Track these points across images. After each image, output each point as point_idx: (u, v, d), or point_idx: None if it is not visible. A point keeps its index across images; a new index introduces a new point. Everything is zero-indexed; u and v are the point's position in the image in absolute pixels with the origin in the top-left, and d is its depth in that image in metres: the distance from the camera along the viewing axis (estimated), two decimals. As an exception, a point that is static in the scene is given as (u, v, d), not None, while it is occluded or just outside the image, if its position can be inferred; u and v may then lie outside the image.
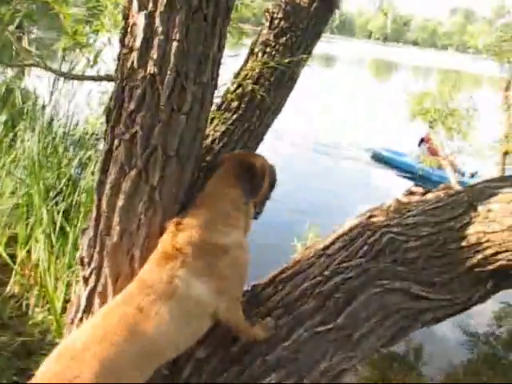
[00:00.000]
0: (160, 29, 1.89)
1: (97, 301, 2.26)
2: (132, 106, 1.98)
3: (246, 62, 3.19)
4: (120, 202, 2.10)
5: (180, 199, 2.17)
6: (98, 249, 2.21)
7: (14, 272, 4.55)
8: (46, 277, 4.33)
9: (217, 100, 3.10)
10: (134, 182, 2.06)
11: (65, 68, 5.32)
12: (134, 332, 1.89)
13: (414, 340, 5.81)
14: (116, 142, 2.06)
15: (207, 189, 2.22)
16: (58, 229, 4.57)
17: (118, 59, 2.02)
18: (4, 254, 4.62)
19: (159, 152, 2.02)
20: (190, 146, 2.09)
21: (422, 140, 12.53)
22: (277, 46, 3.13)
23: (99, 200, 2.17)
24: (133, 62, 1.95)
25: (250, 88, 3.01)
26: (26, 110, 5.20)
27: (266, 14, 3.21)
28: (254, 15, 3.47)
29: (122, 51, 1.99)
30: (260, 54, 3.14)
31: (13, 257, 4.67)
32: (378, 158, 15.27)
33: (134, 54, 1.94)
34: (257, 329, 2.31)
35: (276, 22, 3.16)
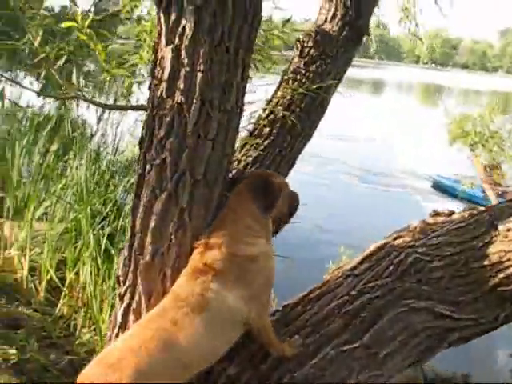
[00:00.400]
0: (186, 61, 2.04)
1: (131, 318, 2.37)
2: (162, 133, 2.12)
3: (278, 89, 3.31)
4: (152, 224, 2.23)
5: (208, 221, 2.28)
6: (132, 268, 2.34)
7: (62, 294, 4.74)
8: (92, 298, 4.51)
9: (250, 126, 3.23)
10: (164, 205, 2.19)
11: (112, 99, 5.56)
12: (169, 343, 2.01)
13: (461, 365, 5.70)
14: (148, 167, 2.20)
15: (228, 204, 2.33)
16: (103, 252, 4.76)
17: (150, 89, 2.18)
18: (54, 277, 4.82)
19: (187, 176, 2.15)
20: (216, 170, 2.21)
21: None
22: (307, 74, 3.24)
23: (133, 222, 2.30)
24: (162, 92, 2.10)
25: (281, 114, 3.13)
26: (75, 140, 5.47)
27: (297, 43, 3.34)
28: (285, 43, 3.60)
29: (153, 82, 2.14)
30: (291, 82, 3.25)
31: (62, 279, 4.88)
32: (440, 187, 14.76)
33: (163, 85, 2.09)
34: (285, 345, 2.38)
35: (306, 50, 3.28)
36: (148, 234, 2.25)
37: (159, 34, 2.09)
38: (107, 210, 5.03)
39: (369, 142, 19.76)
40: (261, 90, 3.25)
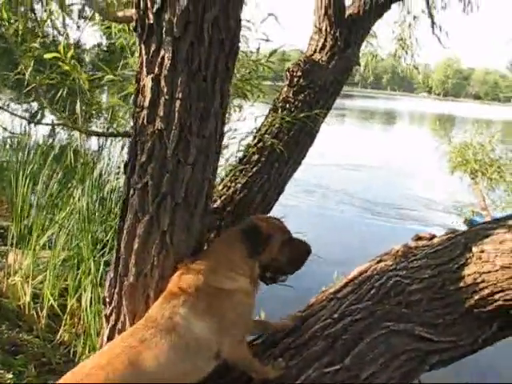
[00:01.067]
0: (165, 89, 2.14)
1: (117, 337, 2.43)
2: (143, 158, 2.22)
3: (267, 117, 3.40)
4: (135, 246, 2.31)
5: (191, 244, 2.36)
6: (117, 289, 2.41)
7: (63, 321, 4.79)
8: (91, 325, 4.55)
9: (239, 153, 3.31)
10: (146, 227, 2.28)
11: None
12: (135, 361, 2.07)
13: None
14: (131, 191, 2.30)
15: (218, 239, 2.42)
16: (104, 279, 4.81)
17: (133, 117, 2.27)
18: (55, 305, 4.88)
19: (168, 199, 2.24)
20: (197, 193, 2.29)
21: None
22: (296, 103, 3.34)
23: (118, 244, 2.39)
24: (143, 119, 2.20)
25: (269, 142, 3.21)
26: (77, 168, 5.59)
27: (287, 72, 3.44)
28: (275, 73, 3.70)
29: (135, 110, 2.24)
30: (280, 110, 3.35)
31: (65, 306, 4.93)
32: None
33: (144, 112, 2.20)
34: (268, 368, 2.42)
35: (295, 79, 3.38)
36: (132, 256, 2.33)
37: (141, 64, 2.20)
38: (108, 237, 5.10)
39: (377, 171, 19.80)
40: (251, 119, 3.34)
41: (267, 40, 3.47)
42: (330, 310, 2.62)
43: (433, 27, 5.02)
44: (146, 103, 2.17)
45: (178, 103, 2.14)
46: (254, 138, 3.31)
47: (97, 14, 2.94)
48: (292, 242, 2.52)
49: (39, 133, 7.19)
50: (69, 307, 4.89)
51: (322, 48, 3.53)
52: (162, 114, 2.15)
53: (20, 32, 3.09)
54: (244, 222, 2.52)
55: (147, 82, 2.16)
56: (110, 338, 2.46)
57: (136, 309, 2.37)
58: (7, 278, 5.20)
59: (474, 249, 2.41)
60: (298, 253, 2.54)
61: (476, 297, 2.36)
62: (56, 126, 5.93)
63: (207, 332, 2.19)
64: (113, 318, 2.45)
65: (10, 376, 3.78)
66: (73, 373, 2.10)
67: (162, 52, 2.12)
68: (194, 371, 2.23)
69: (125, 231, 2.33)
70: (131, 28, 2.30)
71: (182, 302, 2.19)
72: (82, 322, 4.87)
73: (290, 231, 2.55)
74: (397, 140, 33.86)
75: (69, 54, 2.47)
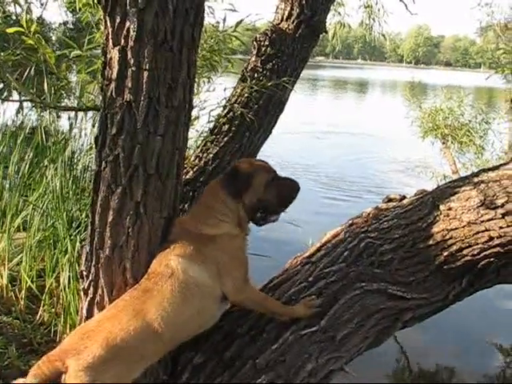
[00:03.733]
0: (132, 61, 2.15)
1: (96, 311, 2.46)
2: (114, 131, 2.23)
3: (236, 87, 3.41)
4: (110, 218, 2.33)
5: (164, 214, 2.38)
6: (94, 262, 2.43)
7: (42, 301, 4.79)
8: (71, 303, 4.56)
9: (210, 125, 3.33)
10: (120, 199, 2.29)
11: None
12: (139, 310, 2.18)
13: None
14: (103, 163, 2.30)
15: (204, 190, 2.51)
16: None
17: (101, 90, 2.27)
18: (33, 286, 4.87)
19: (140, 171, 2.26)
20: (168, 164, 2.32)
21: None
22: (264, 72, 3.36)
23: (93, 217, 2.40)
24: (112, 92, 2.20)
25: (239, 112, 3.23)
26: (49, 147, 5.54)
27: (254, 42, 3.45)
28: (244, 45, 3.71)
29: (104, 83, 2.24)
30: (248, 80, 3.36)
31: (44, 286, 4.92)
32: None
33: (113, 85, 2.20)
34: (298, 307, 2.52)
35: (263, 49, 3.40)
36: (106, 229, 2.35)
37: (106, 37, 2.19)
38: (83, 215, 5.09)
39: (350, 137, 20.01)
40: (221, 90, 3.35)
41: (233, 10, 3.47)
42: (305, 274, 2.68)
43: (400, -6, 5.04)
44: (114, 75, 2.17)
45: (145, 74, 2.15)
46: (224, 108, 3.33)
47: (59, -12, 2.90)
48: (278, 181, 2.52)
49: (7, 114, 7.09)
50: (47, 287, 4.88)
51: (289, 16, 3.54)
52: (130, 85, 2.16)
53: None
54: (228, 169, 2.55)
55: (114, 54, 2.16)
56: (88, 312, 2.48)
57: (113, 281, 2.39)
58: (-17, 262, 5.16)
59: (442, 207, 2.48)
60: (285, 190, 2.53)
61: (445, 253, 2.44)
62: (25, 106, 5.86)
63: (205, 276, 2.29)
64: (91, 291, 2.46)
65: (-9, 357, 3.79)
66: (80, 328, 2.24)
67: (127, 24, 2.12)
68: (199, 314, 2.33)
69: (98, 204, 2.34)
70: (95, 1, 2.28)
71: (173, 249, 2.30)
72: (61, 301, 4.86)
73: (275, 170, 2.54)
74: (369, 108, 34.02)
75: (32, 28, 2.45)
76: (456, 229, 2.39)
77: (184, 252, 2.29)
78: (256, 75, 3.36)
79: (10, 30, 2.46)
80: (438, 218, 2.46)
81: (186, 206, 2.98)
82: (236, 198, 2.43)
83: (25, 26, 2.43)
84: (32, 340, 4.41)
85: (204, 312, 2.34)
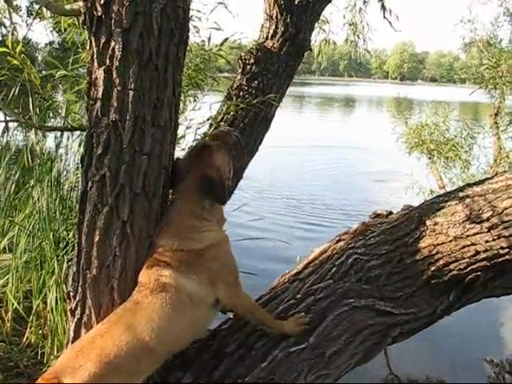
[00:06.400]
0: (117, 81, 2.15)
1: (83, 331, 2.43)
2: (100, 151, 2.23)
3: (223, 105, 3.43)
4: (96, 238, 2.32)
5: (151, 232, 2.37)
6: (81, 282, 2.41)
7: (29, 323, 4.74)
8: (58, 325, 4.52)
9: (196, 143, 3.32)
10: (106, 219, 2.29)
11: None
12: (130, 324, 2.17)
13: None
14: (89, 183, 2.30)
15: (175, 206, 2.42)
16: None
17: (87, 110, 2.28)
18: (19, 308, 4.82)
19: (126, 190, 2.25)
20: (155, 182, 2.31)
21: None
22: (249, 90, 3.38)
23: (79, 237, 2.39)
24: (97, 112, 2.20)
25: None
26: (34, 168, 5.51)
27: (239, 60, 3.47)
28: (229, 64, 3.73)
29: (89, 102, 2.24)
30: (234, 98, 3.38)
31: (31, 308, 4.87)
32: None
33: (98, 104, 2.20)
34: (288, 323, 2.52)
35: (248, 67, 3.42)
36: (93, 249, 2.33)
37: (91, 57, 2.20)
38: (70, 235, 5.05)
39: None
40: (206, 109, 3.37)
41: (218, 29, 3.49)
42: (293, 291, 2.68)
43: (383, 11, 5.09)
44: (99, 95, 2.18)
45: (130, 94, 2.15)
46: (210, 126, 3.35)
47: (44, 9, 2.91)
48: (233, 157, 2.55)
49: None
50: (34, 308, 4.83)
51: (274, 35, 3.57)
52: (115, 105, 2.16)
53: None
54: (192, 181, 2.41)
55: (99, 74, 2.16)
56: (76, 333, 2.46)
57: (101, 301, 2.38)
58: (-32, 284, 5.10)
59: (428, 222, 2.50)
60: (238, 150, 2.61)
61: (432, 268, 2.45)
62: (10, 127, 5.84)
63: (196, 285, 2.28)
64: (78, 311, 2.44)
65: (-23, 382, 3.74)
66: (75, 344, 2.23)
67: (112, 43, 2.12)
68: (193, 325, 2.34)
69: (85, 224, 2.33)
70: (81, 22, 2.29)
71: (164, 266, 2.27)
72: (48, 323, 4.82)
73: (227, 146, 2.54)
74: (356, 123, 34.32)
75: (18, 49, 2.45)
76: (442, 243, 2.41)
77: (177, 270, 2.27)
78: (242, 93, 3.38)
79: (-6, 51, 2.47)
80: (424, 233, 2.48)
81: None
82: (220, 201, 2.44)
83: (10, 46, 2.44)
84: (18, 362, 4.36)
85: (198, 323, 2.35)
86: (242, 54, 3.47)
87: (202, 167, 2.42)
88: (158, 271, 2.27)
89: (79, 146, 5.55)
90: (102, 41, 2.14)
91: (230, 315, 2.72)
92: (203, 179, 2.38)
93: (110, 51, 2.14)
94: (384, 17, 5.20)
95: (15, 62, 2.48)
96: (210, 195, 2.39)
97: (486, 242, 2.35)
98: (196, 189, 2.39)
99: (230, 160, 2.51)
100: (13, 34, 2.56)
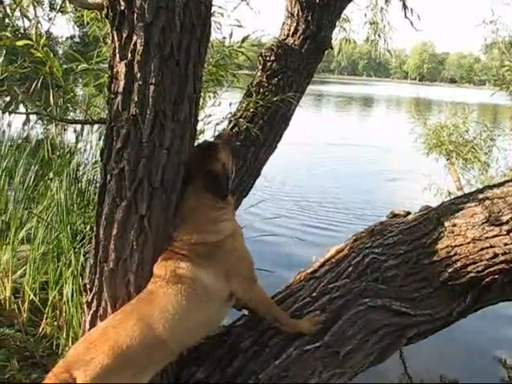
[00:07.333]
0: (138, 75, 2.16)
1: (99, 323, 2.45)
2: (119, 144, 2.24)
3: (242, 102, 3.43)
4: (114, 231, 2.33)
5: (168, 227, 2.38)
6: (97, 275, 2.43)
7: (45, 314, 4.78)
8: (74, 317, 4.55)
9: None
10: (124, 212, 2.30)
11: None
12: (144, 314, 2.18)
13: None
14: (108, 176, 2.31)
15: (189, 201, 2.42)
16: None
17: (107, 103, 2.29)
18: (36, 299, 4.86)
19: (145, 184, 2.26)
20: (173, 177, 2.32)
21: None
22: (269, 87, 3.38)
23: (97, 230, 2.40)
24: (118, 105, 2.22)
25: (244, 126, 3.24)
26: (54, 160, 5.57)
27: (260, 57, 3.47)
28: (249, 60, 3.73)
29: (110, 96, 2.26)
30: (254, 95, 3.38)
31: (47, 299, 4.91)
32: None
33: (119, 98, 2.21)
34: (303, 322, 2.52)
35: (269, 64, 3.42)
36: (111, 242, 2.35)
37: (113, 51, 2.21)
38: (87, 228, 5.10)
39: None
40: (226, 105, 3.37)
41: (240, 26, 3.49)
42: (309, 290, 2.67)
43: (405, 11, 5.05)
44: (120, 89, 2.19)
45: (151, 88, 2.16)
46: (230, 122, 3.35)
47: (68, 3, 2.93)
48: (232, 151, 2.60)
49: (13, 127, 7.12)
50: (50, 300, 4.87)
51: (295, 32, 3.57)
52: (136, 99, 2.17)
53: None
54: (198, 179, 2.43)
55: (121, 68, 2.18)
56: (91, 325, 2.47)
57: (117, 294, 2.39)
58: (-14, 274, 5.15)
59: (446, 223, 2.48)
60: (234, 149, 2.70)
61: (449, 270, 2.43)
62: (31, 119, 5.90)
63: (213, 278, 2.29)
64: (94, 304, 2.46)
65: (-7, 371, 3.78)
66: (86, 336, 2.24)
67: (134, 38, 2.13)
68: (205, 319, 2.34)
69: (103, 217, 2.34)
70: (103, 15, 2.30)
71: (181, 259, 2.29)
72: (63, 314, 4.85)
73: (229, 141, 2.63)
74: (374, 123, 34.16)
75: (41, 41, 2.48)
76: (461, 245, 2.39)
77: (193, 262, 2.28)
78: (261, 90, 3.38)
79: (19, 43, 2.49)
80: (442, 235, 2.47)
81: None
82: (225, 197, 2.43)
83: (34, 39, 2.47)
84: (34, 353, 4.40)
85: (211, 316, 2.36)
86: (263, 51, 3.47)
87: (211, 162, 2.45)
88: (174, 263, 2.28)
89: (98, 139, 5.60)
90: (124, 35, 2.15)
91: (245, 312, 2.72)
92: (209, 174, 2.42)
93: (131, 45, 2.15)
94: (405, 16, 5.16)
95: (38, 54, 2.50)
96: (212, 189, 2.40)
97: (505, 244, 2.33)
98: (203, 186, 2.42)
99: (233, 159, 2.55)
100: (36, 27, 2.58)
